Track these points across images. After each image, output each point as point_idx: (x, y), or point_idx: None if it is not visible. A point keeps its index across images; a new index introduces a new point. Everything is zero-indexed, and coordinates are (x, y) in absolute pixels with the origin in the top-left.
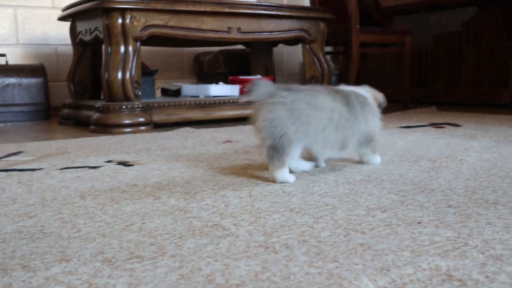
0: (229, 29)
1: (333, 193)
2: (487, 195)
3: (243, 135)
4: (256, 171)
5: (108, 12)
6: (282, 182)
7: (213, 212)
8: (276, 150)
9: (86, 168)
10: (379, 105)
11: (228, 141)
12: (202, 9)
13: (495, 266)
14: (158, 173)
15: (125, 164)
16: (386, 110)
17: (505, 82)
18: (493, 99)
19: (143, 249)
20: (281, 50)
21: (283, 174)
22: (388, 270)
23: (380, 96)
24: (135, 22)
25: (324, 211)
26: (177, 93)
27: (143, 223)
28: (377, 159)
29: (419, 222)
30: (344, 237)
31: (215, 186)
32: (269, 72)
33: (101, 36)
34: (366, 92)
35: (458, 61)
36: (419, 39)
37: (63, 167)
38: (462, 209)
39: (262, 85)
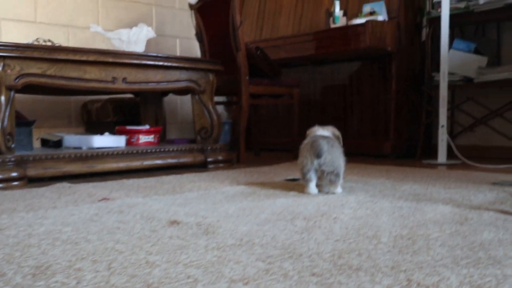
0: (114, 79)
1: (199, 262)
2: (352, 259)
3: (123, 191)
4: (125, 236)
5: None
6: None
7: None
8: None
9: None
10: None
11: (104, 199)
12: (84, 58)
13: None
14: (13, 242)
15: None
16: (276, 160)
17: (386, 133)
18: (376, 150)
19: None
20: (174, 98)
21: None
22: None
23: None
24: (8, 71)
25: (185, 286)
26: (58, 144)
27: None
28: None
29: None
30: None
31: (74, 257)
32: (159, 121)
33: None
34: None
35: (344, 112)
36: (309, 90)
37: None
38: (325, 277)
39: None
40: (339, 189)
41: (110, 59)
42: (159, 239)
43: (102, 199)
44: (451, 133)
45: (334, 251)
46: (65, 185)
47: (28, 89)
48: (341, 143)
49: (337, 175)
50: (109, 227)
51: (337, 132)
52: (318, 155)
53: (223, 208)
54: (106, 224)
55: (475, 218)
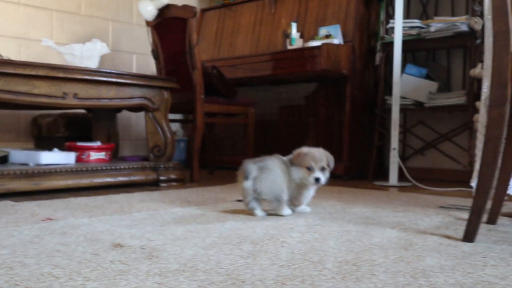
0: (64, 95)
1: None
2: (295, 287)
3: (69, 210)
4: (64, 260)
5: None
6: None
7: None
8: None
9: None
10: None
11: (48, 219)
12: (33, 72)
13: None
14: None
15: None
16: (229, 179)
17: (340, 154)
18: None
19: None
20: (129, 114)
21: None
22: None
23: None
24: None
25: None
26: (3, 159)
27: None
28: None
29: None
30: None
31: (6, 283)
32: (112, 138)
33: None
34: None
35: (300, 132)
36: (265, 110)
37: None
38: None
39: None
40: (286, 211)
41: (61, 74)
42: (100, 263)
43: (45, 219)
44: (403, 156)
45: (278, 278)
46: (7, 203)
47: None
48: (298, 163)
49: (279, 200)
50: (49, 250)
51: (296, 152)
52: (246, 177)
53: (170, 230)
54: (46, 246)
55: (420, 243)
